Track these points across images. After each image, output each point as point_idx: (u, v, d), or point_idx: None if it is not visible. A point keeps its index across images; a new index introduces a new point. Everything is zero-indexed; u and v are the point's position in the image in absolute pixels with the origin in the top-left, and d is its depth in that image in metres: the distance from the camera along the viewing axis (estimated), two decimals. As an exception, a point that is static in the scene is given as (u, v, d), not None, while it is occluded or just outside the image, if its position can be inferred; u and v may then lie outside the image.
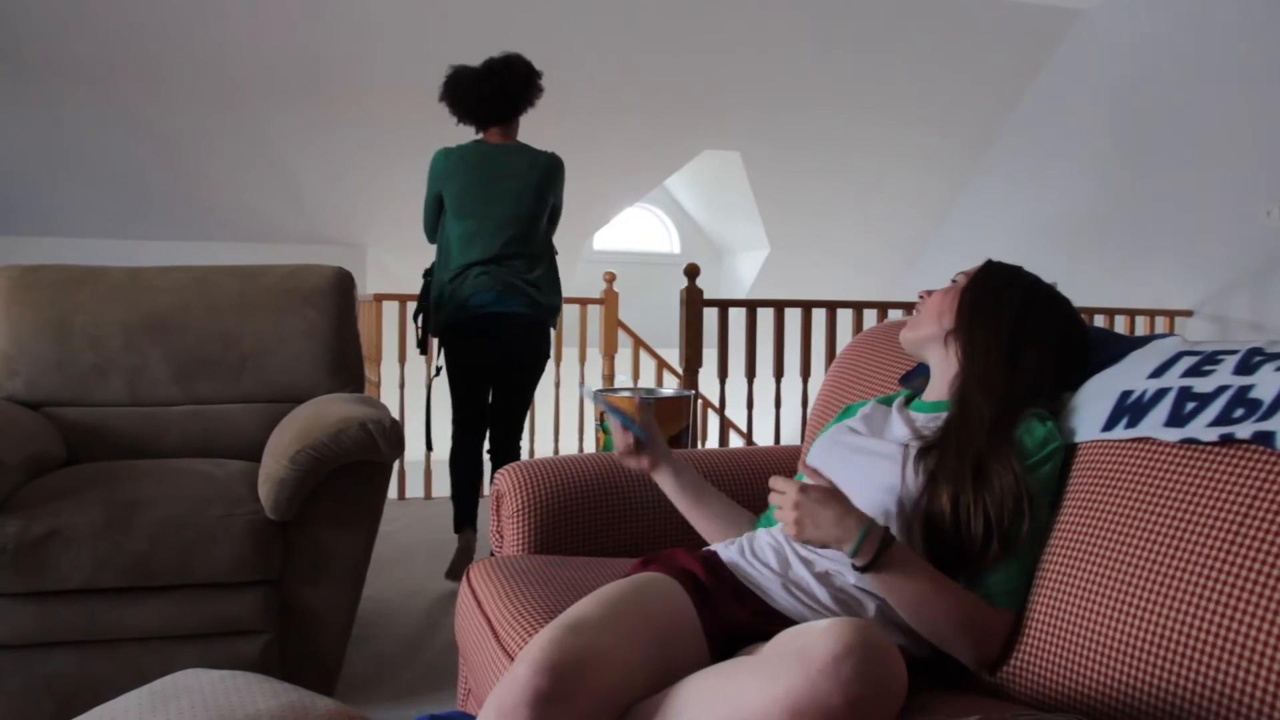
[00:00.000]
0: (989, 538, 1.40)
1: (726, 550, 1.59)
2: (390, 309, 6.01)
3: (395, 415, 5.08)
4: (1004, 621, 1.42)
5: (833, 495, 1.38)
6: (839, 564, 1.47)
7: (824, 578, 1.47)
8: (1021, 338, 1.57)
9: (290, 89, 5.89)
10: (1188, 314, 5.59)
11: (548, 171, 3.58)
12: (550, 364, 5.76)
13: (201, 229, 6.56)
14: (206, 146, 6.11)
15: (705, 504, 1.81)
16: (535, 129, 6.35)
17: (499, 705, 1.20)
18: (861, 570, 1.36)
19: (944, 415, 1.58)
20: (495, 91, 3.55)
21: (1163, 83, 5.84)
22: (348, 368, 2.94)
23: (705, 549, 1.63)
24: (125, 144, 5.99)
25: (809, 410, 2.96)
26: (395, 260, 7.23)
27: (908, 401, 1.74)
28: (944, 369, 1.66)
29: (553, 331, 3.72)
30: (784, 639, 1.17)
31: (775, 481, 1.41)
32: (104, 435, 2.75)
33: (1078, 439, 1.50)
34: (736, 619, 1.42)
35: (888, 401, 1.78)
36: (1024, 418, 1.50)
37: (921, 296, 1.73)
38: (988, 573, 1.42)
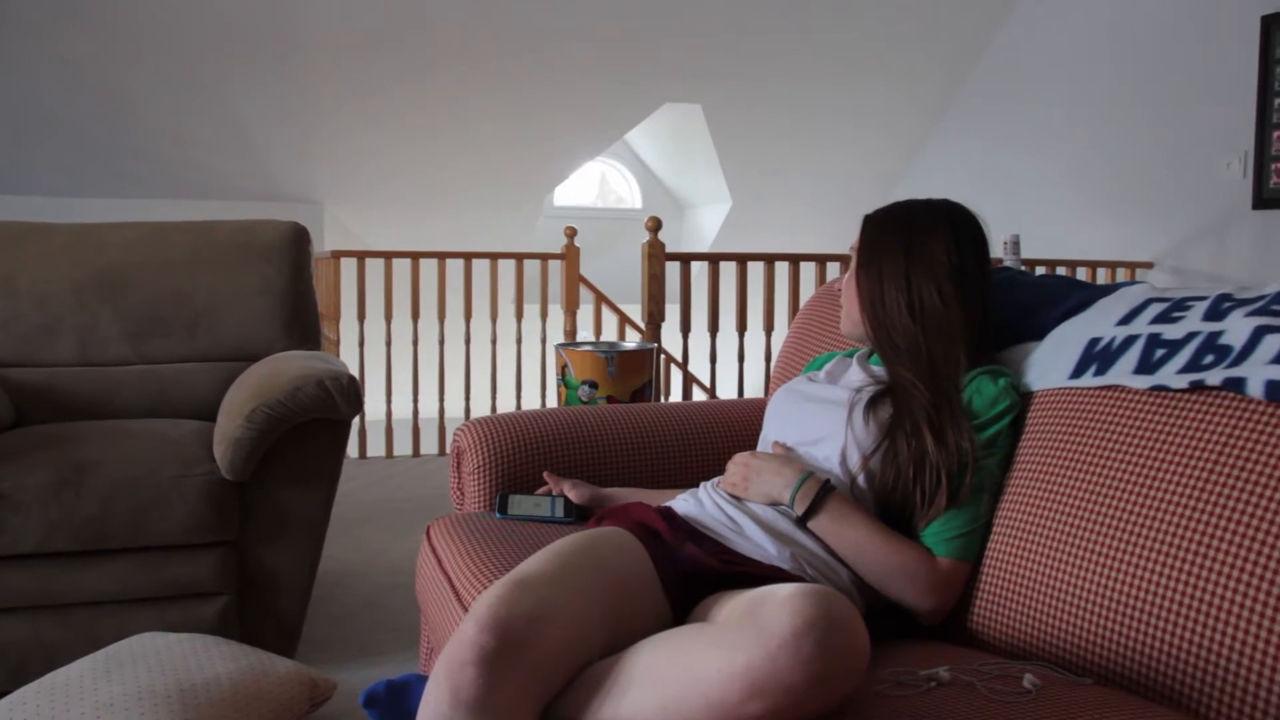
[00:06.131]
0: (935, 490, 1.42)
1: (682, 505, 1.59)
2: (349, 266, 5.93)
3: (354, 373, 5.03)
4: (949, 570, 1.42)
5: (775, 455, 1.50)
6: (781, 518, 1.49)
7: (769, 526, 1.47)
8: (912, 288, 1.55)
9: (244, 40, 5.75)
10: (1148, 266, 5.62)
11: None
12: (511, 320, 5.73)
13: (153, 186, 6.42)
14: (157, 100, 5.96)
15: (664, 494, 1.84)
16: (495, 80, 6.27)
17: (447, 664, 1.17)
18: (800, 521, 1.45)
19: None
20: None
21: (1122, 37, 5.83)
22: (304, 324, 2.88)
23: (662, 504, 1.61)
24: (72, 98, 5.83)
25: (772, 364, 2.96)
26: (353, 217, 7.13)
27: (870, 354, 1.73)
28: None
29: None
30: (745, 603, 1.15)
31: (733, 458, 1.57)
32: (54, 396, 2.68)
33: (1045, 387, 1.48)
34: (696, 559, 1.41)
35: (851, 355, 1.78)
36: (974, 375, 1.50)
37: (838, 289, 1.76)
38: (931, 524, 1.43)
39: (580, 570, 1.30)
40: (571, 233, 5.86)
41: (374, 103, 6.32)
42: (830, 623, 1.05)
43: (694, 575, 1.39)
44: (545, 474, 1.94)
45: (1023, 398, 1.51)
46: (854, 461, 1.49)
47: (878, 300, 1.58)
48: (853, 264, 1.67)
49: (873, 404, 1.52)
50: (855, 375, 1.67)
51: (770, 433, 1.69)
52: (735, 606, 1.18)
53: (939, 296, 1.54)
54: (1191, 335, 1.33)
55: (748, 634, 1.06)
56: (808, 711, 1.05)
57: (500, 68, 6.21)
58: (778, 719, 1.05)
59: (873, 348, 1.64)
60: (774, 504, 1.50)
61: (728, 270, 4.97)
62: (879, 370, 1.65)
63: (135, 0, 5.39)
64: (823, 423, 1.57)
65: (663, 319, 4.68)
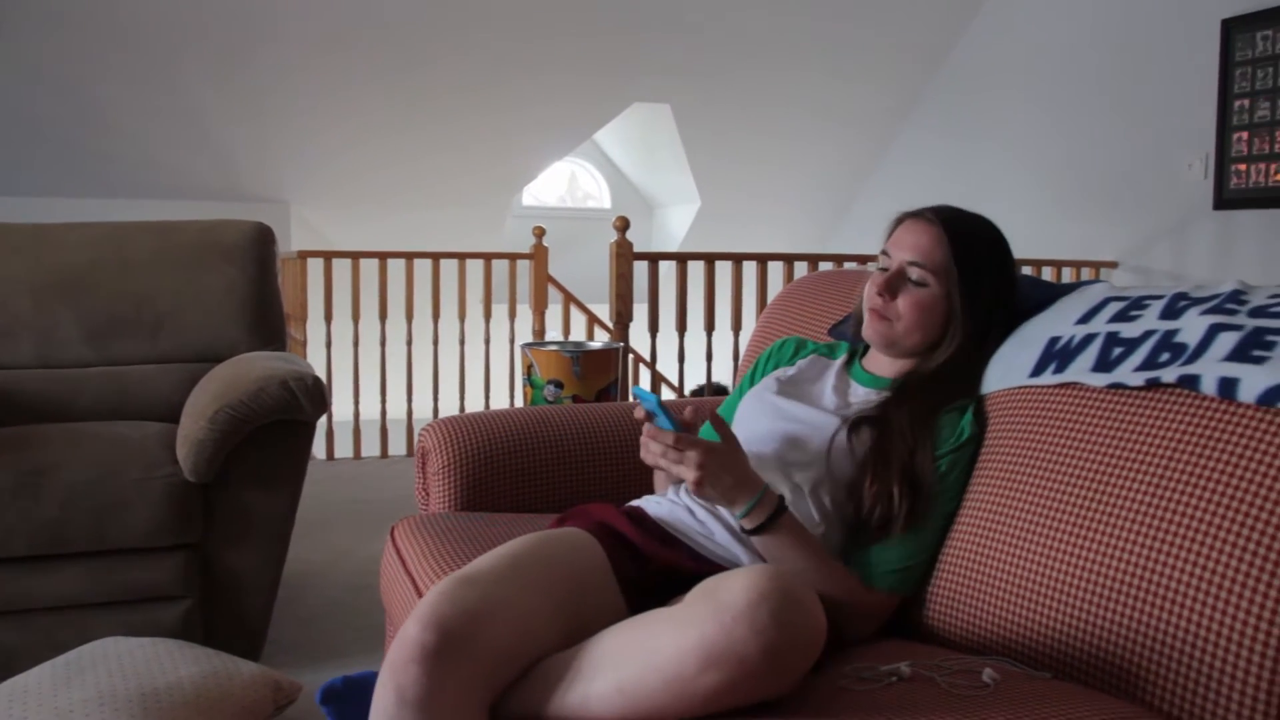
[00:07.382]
0: (890, 518, 1.41)
1: (655, 507, 1.56)
2: (315, 266, 5.88)
3: (321, 374, 5.00)
4: (880, 602, 1.42)
5: (736, 458, 1.37)
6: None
7: (738, 532, 1.44)
8: (992, 323, 1.56)
9: (207, 37, 5.70)
10: (1112, 265, 5.68)
11: None
12: (479, 320, 5.71)
13: (115, 186, 6.35)
14: (118, 98, 5.89)
15: None
16: (463, 79, 6.24)
17: (392, 664, 1.16)
18: (748, 533, 1.38)
19: (884, 392, 1.56)
20: None
21: (1087, 38, 5.88)
22: (269, 325, 2.86)
23: (629, 504, 1.60)
24: (31, 95, 5.75)
25: (739, 363, 2.95)
26: (320, 217, 7.08)
27: (850, 361, 1.70)
28: (894, 360, 1.61)
29: None
30: (702, 587, 1.15)
31: (667, 436, 1.35)
32: (13, 399, 2.64)
33: (1006, 385, 1.50)
34: (667, 560, 1.40)
35: (830, 354, 1.74)
36: (948, 408, 1.49)
37: (881, 293, 1.55)
38: (873, 549, 1.42)
39: (530, 565, 1.30)
40: (540, 232, 5.85)
41: (340, 101, 6.28)
42: (785, 596, 1.05)
43: (663, 576, 1.39)
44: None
45: (983, 397, 1.52)
46: (824, 490, 1.47)
47: (956, 327, 1.54)
48: (926, 274, 1.53)
49: (854, 435, 1.49)
50: (829, 395, 1.62)
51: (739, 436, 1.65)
52: (695, 592, 1.18)
53: (1003, 331, 1.56)
54: (1148, 334, 1.35)
55: (704, 609, 1.07)
56: (763, 686, 1.06)
57: (468, 67, 6.19)
58: (734, 692, 1.06)
59: (898, 379, 1.56)
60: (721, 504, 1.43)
61: (696, 270, 4.97)
62: (861, 391, 1.61)
63: (97, -3, 5.33)
64: (798, 449, 1.52)
65: (631, 319, 4.68)
